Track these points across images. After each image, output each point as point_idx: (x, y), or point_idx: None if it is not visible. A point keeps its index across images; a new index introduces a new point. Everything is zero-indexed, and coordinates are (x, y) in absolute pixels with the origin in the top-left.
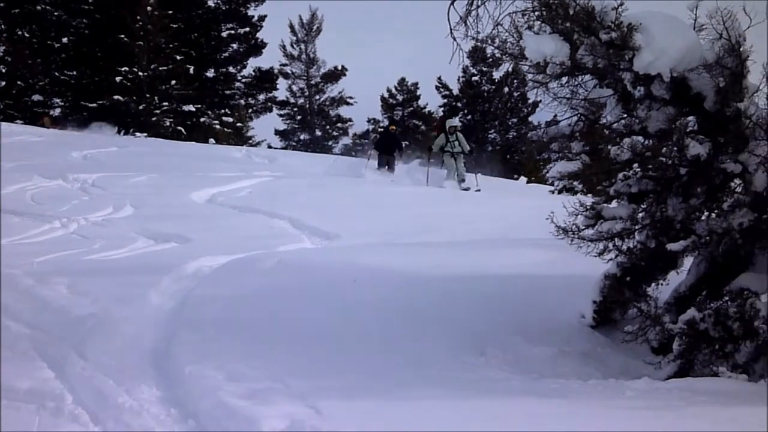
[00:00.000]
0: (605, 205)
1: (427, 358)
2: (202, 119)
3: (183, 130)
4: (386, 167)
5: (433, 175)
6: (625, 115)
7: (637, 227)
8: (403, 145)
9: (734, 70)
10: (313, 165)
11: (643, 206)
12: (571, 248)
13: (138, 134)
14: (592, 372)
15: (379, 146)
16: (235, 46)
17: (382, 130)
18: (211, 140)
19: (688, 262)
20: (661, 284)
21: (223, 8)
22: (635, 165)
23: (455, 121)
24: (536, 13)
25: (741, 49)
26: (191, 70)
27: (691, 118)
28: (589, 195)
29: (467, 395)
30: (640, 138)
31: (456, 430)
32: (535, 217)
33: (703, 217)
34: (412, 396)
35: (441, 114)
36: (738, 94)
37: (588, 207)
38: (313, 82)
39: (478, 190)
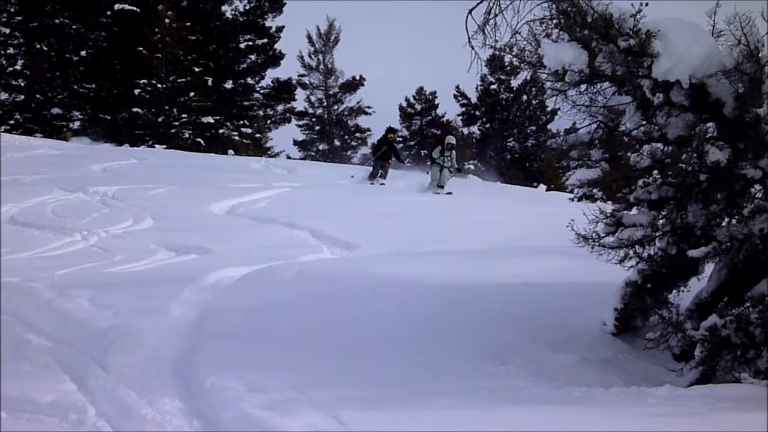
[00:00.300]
0: (625, 212)
1: (449, 367)
2: (220, 131)
3: (202, 141)
4: (380, 174)
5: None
6: (644, 122)
7: (657, 234)
8: (399, 153)
9: (753, 76)
10: (332, 176)
11: (663, 213)
12: (591, 256)
13: (157, 146)
14: (614, 379)
15: (375, 152)
16: (253, 57)
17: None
18: (230, 151)
19: (708, 268)
20: (683, 291)
21: (241, 19)
22: (655, 172)
23: (453, 140)
24: (554, 21)
25: (760, 55)
26: (210, 82)
27: (710, 124)
28: (609, 202)
29: (490, 404)
30: (660, 145)
31: None
32: (555, 225)
33: (723, 224)
34: (434, 405)
35: (439, 128)
36: (757, 100)
37: (608, 214)
38: (331, 92)
39: (449, 193)
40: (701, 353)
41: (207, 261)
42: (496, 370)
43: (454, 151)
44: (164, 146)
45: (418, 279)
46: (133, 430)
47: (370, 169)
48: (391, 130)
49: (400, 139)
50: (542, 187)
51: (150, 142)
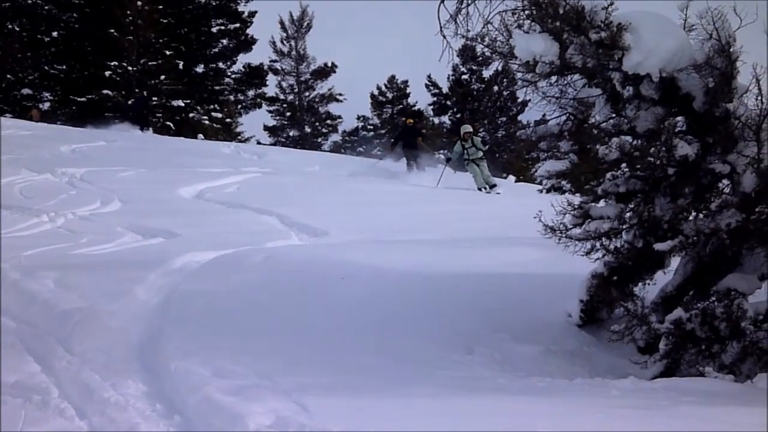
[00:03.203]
0: (593, 204)
1: (415, 356)
2: (191, 115)
3: (172, 125)
4: (414, 165)
5: (446, 177)
6: (614, 115)
7: (624, 227)
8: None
9: (724, 71)
10: (304, 162)
11: (630, 206)
12: (558, 247)
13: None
14: (578, 371)
15: (401, 143)
16: (225, 41)
17: (400, 126)
18: (200, 136)
19: (675, 262)
20: (648, 284)
21: (213, 4)
22: (623, 165)
23: (467, 127)
24: (526, 12)
25: (731, 50)
26: (181, 66)
27: (679, 118)
28: (577, 194)
29: (455, 393)
30: (629, 138)
31: (444, 429)
32: (523, 216)
33: (690, 218)
34: (399, 393)
35: (416, 114)
36: (727, 95)
37: (576, 206)
38: (302, 78)
39: (495, 189)
40: (666, 346)
41: (174, 245)
42: (462, 359)
43: (474, 137)
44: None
45: (386, 267)
46: (96, 412)
47: (378, 161)
48: (411, 115)
49: (371, 127)
50: (512, 178)
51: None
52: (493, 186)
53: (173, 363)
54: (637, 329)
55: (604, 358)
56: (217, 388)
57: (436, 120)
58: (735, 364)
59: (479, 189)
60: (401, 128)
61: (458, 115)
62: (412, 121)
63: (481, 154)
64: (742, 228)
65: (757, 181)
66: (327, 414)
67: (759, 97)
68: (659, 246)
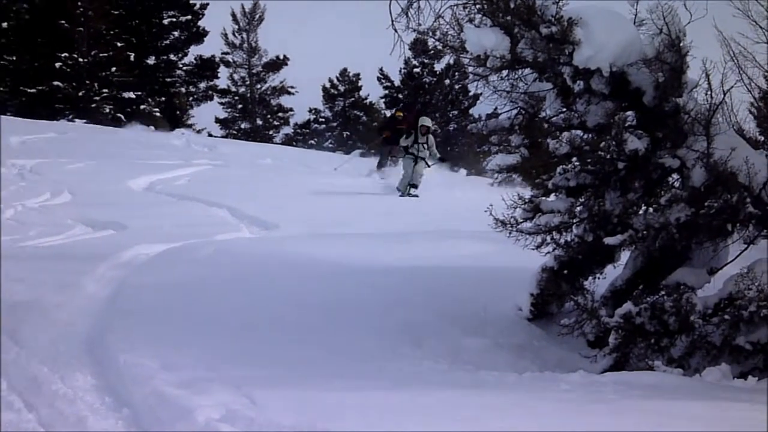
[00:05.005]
0: (543, 198)
1: (364, 349)
2: (142, 106)
3: (123, 117)
4: (385, 163)
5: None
6: (565, 109)
7: (574, 221)
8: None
9: (674, 66)
10: (255, 154)
11: (581, 200)
12: (509, 241)
13: (77, 120)
14: (527, 365)
15: (389, 138)
16: (176, 33)
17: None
18: (151, 127)
19: (624, 256)
20: (598, 278)
21: None
22: (574, 159)
23: (428, 121)
24: (477, 6)
25: (681, 45)
26: (132, 57)
27: (630, 112)
28: (528, 188)
29: (403, 386)
30: (579, 132)
31: (392, 422)
32: (474, 209)
33: (640, 212)
34: (348, 387)
35: (406, 107)
36: (677, 90)
37: (526, 200)
38: (254, 71)
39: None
40: (615, 340)
41: (123, 237)
42: (410, 352)
43: (430, 136)
44: (84, 121)
45: (336, 260)
46: (44, 405)
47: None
48: (403, 107)
49: (323, 120)
50: (463, 171)
51: (70, 116)
52: (414, 186)
53: (122, 356)
54: (586, 323)
55: (554, 351)
56: (165, 381)
57: (388, 113)
58: (684, 358)
59: (400, 192)
60: (389, 119)
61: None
62: (401, 114)
63: (427, 154)
64: (691, 222)
65: (706, 175)
66: (276, 407)
67: (709, 92)
68: (609, 240)
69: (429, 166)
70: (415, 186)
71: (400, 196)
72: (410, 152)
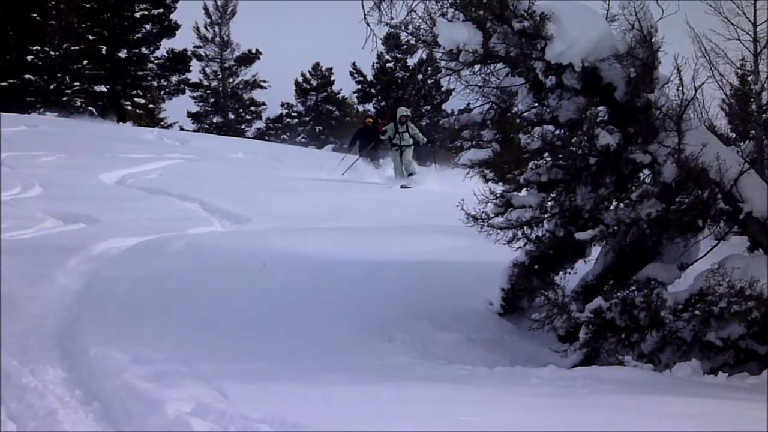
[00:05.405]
0: (515, 193)
1: (335, 344)
2: (113, 100)
3: (94, 110)
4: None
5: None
6: (536, 104)
7: (546, 216)
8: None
9: (645, 61)
10: (227, 148)
11: (552, 195)
12: (480, 236)
13: (48, 114)
14: (498, 359)
15: (363, 144)
16: (148, 27)
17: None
18: (129, 122)
19: (595, 251)
20: (569, 273)
21: None
22: (545, 154)
23: (405, 110)
24: (450, 1)
25: (653, 41)
26: (103, 50)
27: (601, 108)
28: (500, 183)
29: (374, 380)
30: (551, 127)
31: (365, 415)
32: (447, 204)
33: (611, 207)
34: (319, 381)
35: (378, 113)
36: (649, 85)
37: (498, 195)
38: (226, 64)
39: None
40: (585, 335)
41: (95, 231)
42: (382, 347)
43: (410, 123)
44: (55, 114)
45: (308, 254)
46: (14, 398)
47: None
48: (372, 114)
49: (295, 114)
50: (434, 166)
51: (41, 110)
52: (410, 174)
53: (92, 349)
54: (557, 318)
55: (525, 346)
56: (136, 374)
57: (361, 108)
58: (654, 353)
59: (401, 186)
60: (361, 129)
61: (382, 103)
62: (371, 120)
63: (411, 141)
64: (662, 218)
65: (677, 171)
66: (246, 400)
67: (680, 88)
68: (580, 235)
69: (416, 149)
70: (412, 174)
71: (402, 187)
72: (394, 143)
